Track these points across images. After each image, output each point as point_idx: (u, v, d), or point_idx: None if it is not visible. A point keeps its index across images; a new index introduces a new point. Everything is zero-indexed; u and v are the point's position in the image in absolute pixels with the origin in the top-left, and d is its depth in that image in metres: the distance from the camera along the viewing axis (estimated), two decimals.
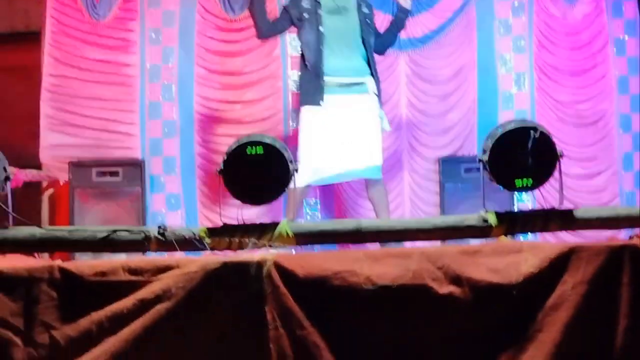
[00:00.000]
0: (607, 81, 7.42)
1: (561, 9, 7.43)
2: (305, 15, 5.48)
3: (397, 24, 5.81)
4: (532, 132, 4.40)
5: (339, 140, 5.43)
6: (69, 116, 7.30)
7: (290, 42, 7.36)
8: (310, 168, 5.43)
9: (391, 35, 5.82)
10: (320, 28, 5.43)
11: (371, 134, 5.50)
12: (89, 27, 7.38)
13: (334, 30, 5.45)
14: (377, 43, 5.72)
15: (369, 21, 5.61)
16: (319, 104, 5.51)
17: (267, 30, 5.70)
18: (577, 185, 7.17)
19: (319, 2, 5.52)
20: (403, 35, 7.39)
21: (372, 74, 5.61)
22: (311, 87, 5.55)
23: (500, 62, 7.47)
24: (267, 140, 4.41)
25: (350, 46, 5.49)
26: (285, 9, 5.62)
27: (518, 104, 7.43)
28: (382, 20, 6.41)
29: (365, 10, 5.63)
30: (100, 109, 7.35)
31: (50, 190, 7.01)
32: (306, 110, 5.60)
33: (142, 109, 7.42)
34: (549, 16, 7.44)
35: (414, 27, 7.40)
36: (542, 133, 4.40)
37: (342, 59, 5.44)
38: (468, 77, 7.45)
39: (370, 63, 5.59)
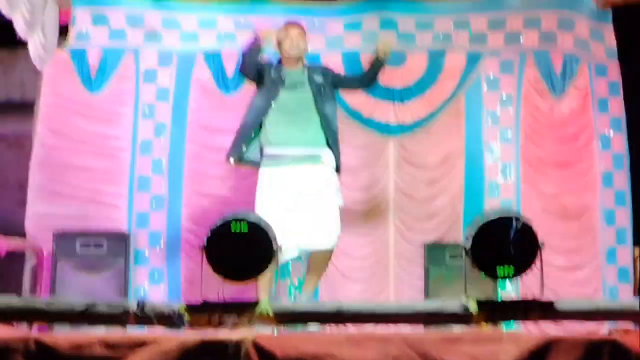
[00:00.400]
0: (592, 175, 7.50)
1: (548, 103, 7.57)
2: (268, 83, 5.61)
3: (374, 69, 5.82)
4: (514, 222, 4.45)
5: (294, 212, 5.40)
6: (58, 186, 7.34)
7: None
8: None
9: (369, 74, 5.86)
10: (273, 103, 5.54)
11: (326, 204, 5.49)
12: (84, 100, 7.50)
13: (289, 104, 5.56)
14: (353, 84, 5.93)
15: (322, 90, 5.64)
16: (233, 159, 5.60)
17: (249, 70, 5.73)
18: (560, 277, 7.16)
19: (283, 81, 5.61)
20: (393, 120, 7.55)
21: (329, 145, 5.63)
22: (236, 141, 5.63)
23: (487, 151, 7.57)
24: (252, 219, 4.45)
25: (305, 119, 5.55)
26: (261, 65, 5.71)
27: (504, 193, 7.50)
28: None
29: (318, 80, 5.65)
30: (89, 180, 7.40)
31: (34, 260, 6.97)
32: (263, 175, 5.59)
33: (131, 182, 7.47)
34: (536, 109, 7.57)
35: (404, 114, 7.55)
36: (524, 224, 4.45)
37: (295, 132, 5.50)
38: (456, 165, 7.55)
39: (328, 134, 5.62)
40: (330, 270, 7.07)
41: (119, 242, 7.00)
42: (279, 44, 5.72)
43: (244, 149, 5.63)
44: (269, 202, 5.39)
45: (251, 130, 5.62)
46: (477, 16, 7.63)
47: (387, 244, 7.47)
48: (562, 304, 4.43)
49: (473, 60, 7.61)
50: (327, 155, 5.57)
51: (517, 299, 4.61)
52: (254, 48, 5.70)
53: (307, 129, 5.51)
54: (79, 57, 7.52)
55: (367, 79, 5.92)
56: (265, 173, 5.53)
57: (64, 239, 6.87)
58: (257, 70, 5.72)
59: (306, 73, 5.69)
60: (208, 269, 4.47)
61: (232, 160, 5.71)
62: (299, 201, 5.39)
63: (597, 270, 7.35)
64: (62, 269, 6.79)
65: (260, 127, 5.64)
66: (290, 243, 5.22)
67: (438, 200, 7.51)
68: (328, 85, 5.68)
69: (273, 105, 5.56)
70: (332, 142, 5.61)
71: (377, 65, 5.80)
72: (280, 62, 5.78)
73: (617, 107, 7.55)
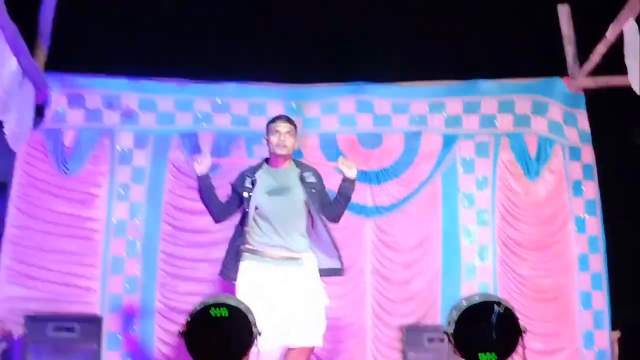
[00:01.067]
0: (567, 258, 7.53)
1: (523, 186, 7.63)
2: (245, 194, 5.29)
3: (343, 194, 5.42)
4: (496, 306, 4.43)
5: (276, 305, 5.16)
6: (29, 269, 7.23)
7: None
8: None
9: (339, 206, 5.43)
10: (251, 209, 5.24)
11: (309, 300, 5.27)
12: (58, 181, 7.45)
13: (272, 209, 5.27)
14: (326, 212, 5.44)
15: (314, 190, 5.33)
16: (230, 280, 5.35)
17: (220, 214, 5.41)
18: None
19: (256, 182, 5.29)
20: (370, 202, 7.56)
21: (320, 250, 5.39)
22: (228, 261, 5.38)
23: (464, 233, 7.58)
24: (232, 302, 4.38)
25: (288, 224, 5.29)
26: (233, 188, 5.42)
27: (481, 275, 7.49)
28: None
29: (310, 180, 5.37)
30: (61, 262, 7.30)
31: (4, 344, 6.80)
32: (243, 268, 5.25)
33: (104, 264, 7.37)
34: (512, 191, 7.63)
35: (381, 195, 7.57)
36: (506, 308, 4.43)
37: (277, 237, 5.28)
38: (432, 247, 7.55)
39: (314, 237, 5.32)
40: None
41: (91, 325, 6.86)
42: (267, 137, 5.36)
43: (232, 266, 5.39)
44: (248, 293, 5.16)
45: (237, 244, 5.36)
46: (452, 99, 7.75)
47: (364, 327, 7.39)
48: None
49: (448, 142, 7.69)
50: (308, 258, 5.37)
51: None
52: (205, 190, 5.37)
53: (290, 234, 5.28)
54: (54, 137, 7.50)
55: (336, 211, 5.45)
56: (245, 266, 5.28)
57: (35, 323, 6.71)
58: (231, 205, 5.40)
59: (296, 172, 5.39)
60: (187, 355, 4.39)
61: (225, 278, 5.50)
62: (281, 295, 5.17)
63: (575, 353, 7.31)
64: (33, 353, 6.61)
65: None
66: (270, 337, 5.00)
67: (415, 282, 7.48)
68: (319, 188, 5.44)
69: (255, 217, 5.33)
70: (325, 245, 5.41)
71: (346, 187, 5.41)
72: (266, 160, 5.45)
73: (591, 189, 7.64)
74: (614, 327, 7.36)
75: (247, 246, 5.22)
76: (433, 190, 7.65)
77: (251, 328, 4.38)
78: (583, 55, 7.53)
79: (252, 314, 4.41)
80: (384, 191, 7.60)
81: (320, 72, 7.67)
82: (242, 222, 5.30)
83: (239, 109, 7.75)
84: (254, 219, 5.22)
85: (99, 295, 7.29)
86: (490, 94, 7.77)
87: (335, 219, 5.48)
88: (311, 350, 5.21)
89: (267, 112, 7.56)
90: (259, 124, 7.54)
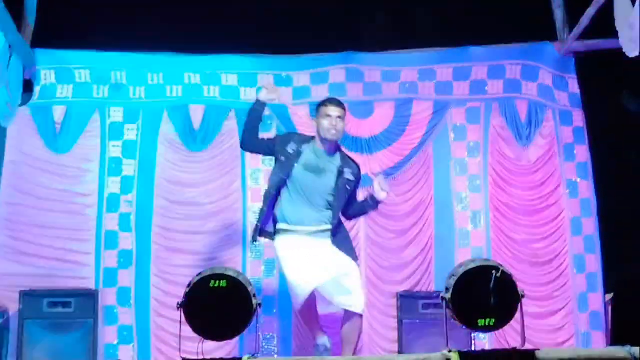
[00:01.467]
0: (560, 222, 7.56)
1: (515, 151, 7.64)
2: (282, 158, 5.46)
3: (363, 211, 5.79)
4: (494, 272, 4.45)
5: (321, 269, 5.34)
6: (24, 245, 7.21)
7: (251, 175, 7.49)
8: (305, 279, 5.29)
9: (356, 213, 5.78)
10: (287, 181, 5.41)
11: (348, 270, 5.41)
12: (49, 157, 7.41)
13: (305, 185, 5.39)
14: (346, 209, 5.63)
15: (348, 187, 5.51)
16: (253, 240, 5.56)
17: (250, 144, 5.59)
18: (534, 324, 7.17)
19: (300, 154, 5.46)
20: (363, 171, 7.53)
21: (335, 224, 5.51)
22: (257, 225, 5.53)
23: (456, 200, 7.60)
24: (231, 273, 4.39)
25: (315, 203, 5.42)
26: (273, 140, 5.60)
27: (474, 241, 7.52)
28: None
29: (349, 177, 5.53)
30: (55, 238, 7.28)
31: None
32: (281, 243, 5.48)
33: (98, 239, 7.36)
34: (503, 157, 7.64)
35: (373, 164, 7.56)
36: (503, 273, 4.45)
37: (304, 212, 5.40)
38: (425, 214, 7.56)
39: (333, 219, 5.48)
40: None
41: (87, 300, 6.84)
42: (317, 119, 5.50)
43: (259, 226, 5.52)
44: (295, 260, 5.28)
45: (265, 210, 5.49)
46: (442, 66, 7.74)
47: None
48: (543, 354, 4.43)
49: (440, 109, 7.69)
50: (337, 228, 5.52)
51: (498, 349, 4.53)
52: (253, 115, 5.53)
53: (315, 212, 5.40)
54: (44, 113, 7.46)
55: (356, 213, 5.84)
56: (282, 241, 5.43)
57: (31, 298, 6.70)
58: (264, 145, 5.60)
59: (338, 161, 5.53)
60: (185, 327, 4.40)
61: (253, 241, 5.66)
62: (322, 262, 5.30)
63: (569, 315, 7.37)
64: (29, 329, 6.62)
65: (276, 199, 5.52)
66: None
67: (409, 250, 7.50)
68: (352, 186, 5.57)
69: (288, 183, 5.43)
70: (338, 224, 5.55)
71: (369, 206, 5.70)
72: (313, 137, 5.57)
73: (583, 153, 7.67)
74: (607, 289, 7.41)
75: (280, 225, 5.30)
76: (425, 158, 7.65)
77: (251, 299, 4.37)
78: (573, 19, 7.51)
79: (251, 285, 4.42)
80: (376, 159, 7.59)
81: (310, 41, 7.63)
82: (276, 187, 5.43)
83: (228, 79, 7.71)
84: (287, 188, 5.27)
85: (94, 270, 7.28)
86: (481, 60, 7.76)
87: (348, 217, 5.75)
88: (362, 319, 5.53)
89: (257, 82, 7.54)
90: (249, 95, 7.55)
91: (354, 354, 5.58)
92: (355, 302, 5.41)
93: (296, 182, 5.40)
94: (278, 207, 5.52)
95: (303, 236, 5.38)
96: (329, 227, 5.40)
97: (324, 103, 5.54)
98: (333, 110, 5.45)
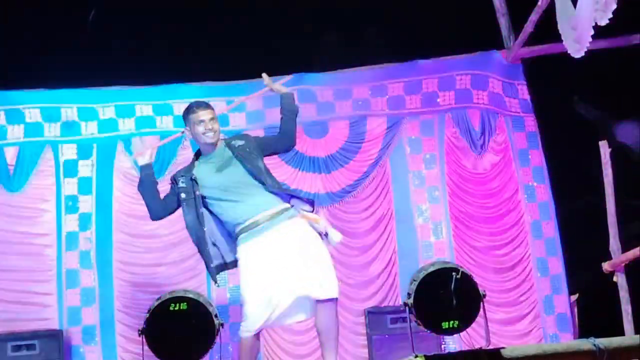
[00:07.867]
0: (521, 226, 7.62)
1: (471, 160, 7.71)
2: (182, 195, 5.07)
3: (286, 109, 5.29)
4: (453, 273, 4.46)
5: (284, 269, 5.01)
6: None
7: None
8: (257, 313, 5.00)
9: (287, 122, 5.25)
10: (200, 209, 5.01)
11: (316, 251, 5.14)
12: (4, 199, 7.33)
13: (225, 187, 5.12)
14: (278, 144, 5.27)
15: (248, 150, 5.13)
16: (215, 282, 5.22)
17: (160, 211, 5.15)
18: (502, 330, 7.22)
19: (195, 181, 5.08)
20: (322, 190, 7.57)
21: (291, 196, 5.23)
22: (207, 266, 5.23)
23: (417, 212, 7.64)
24: (191, 295, 4.35)
25: (250, 187, 5.17)
26: (171, 189, 5.14)
27: (437, 252, 7.53)
28: None
29: (239, 143, 5.18)
30: (16, 281, 7.19)
31: None
32: (241, 253, 5.20)
33: (59, 278, 7.26)
34: (460, 167, 7.70)
35: (331, 183, 7.58)
36: (463, 274, 4.46)
37: (249, 202, 5.14)
38: (387, 229, 7.58)
39: (277, 190, 5.08)
40: (271, 346, 7.04)
41: (52, 341, 6.72)
42: (190, 129, 5.12)
43: (214, 263, 5.23)
44: (252, 274, 4.98)
45: (205, 246, 5.22)
46: (393, 82, 7.82)
47: None
48: (508, 351, 4.42)
49: (393, 124, 7.75)
50: (295, 202, 5.24)
51: (463, 350, 4.53)
52: (146, 182, 5.14)
53: (259, 194, 5.13)
54: None
55: (285, 128, 5.29)
56: (243, 250, 5.13)
57: None
58: (169, 201, 5.15)
59: (226, 147, 5.18)
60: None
61: (218, 284, 5.29)
62: (288, 259, 5.01)
63: (536, 319, 7.40)
64: None
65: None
66: (285, 303, 4.84)
67: (373, 265, 7.50)
68: (251, 146, 5.32)
69: (209, 206, 5.17)
70: (289, 192, 5.30)
71: (287, 103, 5.33)
72: (196, 154, 5.24)
73: (538, 157, 7.75)
74: (571, 291, 7.46)
75: (239, 227, 5.03)
76: (383, 173, 7.69)
77: (213, 320, 4.33)
78: (518, 26, 7.61)
79: (212, 305, 4.37)
80: (334, 178, 7.61)
81: (261, 65, 7.62)
82: (198, 224, 5.05)
83: (180, 109, 7.67)
84: (219, 206, 5.08)
85: (57, 310, 7.18)
86: (430, 73, 7.85)
87: (290, 140, 5.27)
88: (336, 305, 5.00)
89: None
90: None
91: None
92: (328, 287, 4.94)
93: (215, 194, 5.12)
94: (219, 226, 5.13)
95: (267, 234, 5.04)
96: (284, 204, 5.13)
97: (191, 110, 5.17)
98: (204, 114, 5.10)
